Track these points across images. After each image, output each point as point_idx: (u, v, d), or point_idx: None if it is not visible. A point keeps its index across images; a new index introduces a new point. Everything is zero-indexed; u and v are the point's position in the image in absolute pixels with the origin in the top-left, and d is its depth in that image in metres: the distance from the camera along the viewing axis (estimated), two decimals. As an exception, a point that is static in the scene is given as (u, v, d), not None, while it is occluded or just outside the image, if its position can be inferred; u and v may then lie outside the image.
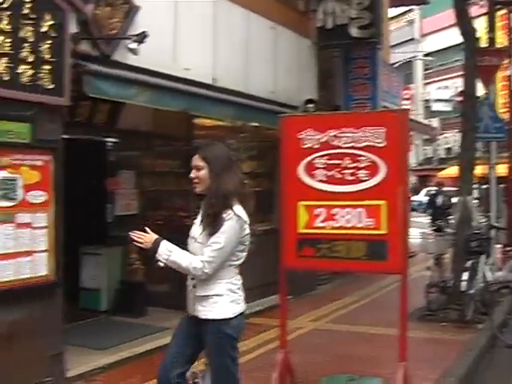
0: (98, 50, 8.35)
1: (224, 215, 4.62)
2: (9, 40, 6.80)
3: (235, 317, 4.76)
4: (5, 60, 6.76)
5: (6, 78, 6.78)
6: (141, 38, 8.18)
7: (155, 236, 4.79)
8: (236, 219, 4.66)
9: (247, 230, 4.80)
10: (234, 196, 4.71)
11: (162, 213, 11.60)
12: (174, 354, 4.92)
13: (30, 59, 7.03)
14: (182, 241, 10.88)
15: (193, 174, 4.84)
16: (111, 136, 10.62)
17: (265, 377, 7.28)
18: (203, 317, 4.75)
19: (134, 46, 8.25)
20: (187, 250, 4.84)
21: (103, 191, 10.83)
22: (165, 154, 11.98)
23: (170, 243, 4.76)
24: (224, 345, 4.73)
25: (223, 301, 4.74)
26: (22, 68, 6.94)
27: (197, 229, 4.81)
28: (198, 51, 10.37)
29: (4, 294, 6.74)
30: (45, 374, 7.22)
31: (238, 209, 4.71)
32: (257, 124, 12.30)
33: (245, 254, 4.90)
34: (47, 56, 7.21)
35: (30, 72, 7.02)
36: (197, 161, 4.81)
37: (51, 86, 7.25)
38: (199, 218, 4.84)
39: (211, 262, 4.61)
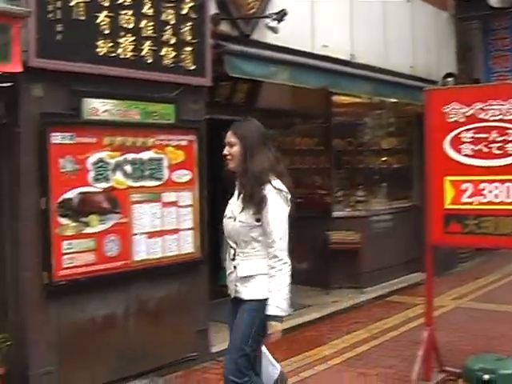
0: (237, 29, 8.34)
1: (264, 192, 4.38)
2: (151, 23, 6.86)
3: None
4: (148, 43, 6.84)
5: (150, 61, 6.86)
6: (280, 16, 8.08)
7: (270, 323, 4.42)
8: (276, 192, 4.41)
9: (289, 204, 4.52)
10: (270, 172, 4.45)
11: (301, 191, 11.50)
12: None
13: (172, 41, 7.08)
14: (319, 218, 10.85)
15: (226, 151, 4.61)
16: (250, 115, 10.57)
17: (409, 355, 7.18)
18: (247, 298, 4.50)
19: (273, 24, 8.15)
20: (224, 233, 4.65)
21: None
22: (303, 132, 11.92)
23: (269, 302, 4.41)
24: (257, 323, 4.45)
25: (263, 281, 4.46)
26: (164, 50, 7.00)
27: (234, 208, 4.58)
28: (335, 28, 10.21)
29: (152, 271, 6.85)
30: (191, 349, 7.30)
31: (277, 183, 4.45)
32: (395, 100, 11.98)
33: None
34: (188, 37, 7.25)
35: (173, 54, 7.09)
36: (229, 137, 4.58)
37: (193, 67, 7.28)
38: (235, 197, 4.63)
39: (279, 243, 4.36)
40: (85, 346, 6.33)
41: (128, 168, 6.64)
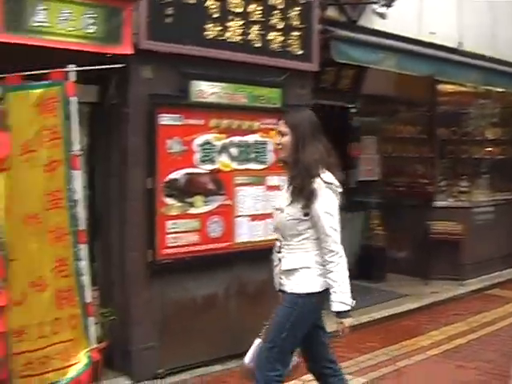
0: (344, 15, 8.28)
1: (314, 185, 4.20)
2: (260, 8, 6.82)
3: (320, 292, 4.29)
4: (256, 27, 6.81)
5: (258, 45, 6.83)
6: (389, 1, 7.98)
7: (337, 320, 4.27)
8: (326, 186, 4.22)
9: (339, 197, 4.33)
10: (321, 164, 4.27)
11: (403, 179, 11.34)
12: (306, 344, 4.56)
13: (280, 26, 7.03)
14: (420, 207, 10.63)
15: (277, 140, 4.48)
16: (354, 101, 10.46)
17: (508, 350, 7.11)
18: (289, 291, 4.36)
19: (382, 10, 8.03)
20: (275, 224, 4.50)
21: (346, 156, 10.68)
22: (406, 120, 11.69)
23: (332, 299, 4.25)
24: (296, 319, 4.29)
25: (311, 274, 4.28)
26: (272, 35, 6.96)
27: (283, 200, 4.40)
28: (443, 15, 9.99)
29: (253, 254, 6.82)
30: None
31: (327, 176, 4.27)
32: (502, 89, 11.58)
33: None
34: (296, 22, 7.18)
35: (280, 38, 7.04)
36: (281, 126, 4.43)
37: (300, 52, 7.23)
38: (285, 188, 4.45)
39: (333, 237, 4.20)
40: (186, 324, 6.38)
41: (233, 150, 6.66)
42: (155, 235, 6.10)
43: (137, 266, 6.07)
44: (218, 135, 6.51)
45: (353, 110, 10.38)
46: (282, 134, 4.41)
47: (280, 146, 4.45)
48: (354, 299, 4.27)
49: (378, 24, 8.50)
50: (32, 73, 4.85)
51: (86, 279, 5.09)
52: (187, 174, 6.28)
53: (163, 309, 6.24)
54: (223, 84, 6.57)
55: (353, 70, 9.59)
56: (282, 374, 4.36)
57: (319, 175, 4.23)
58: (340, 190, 4.34)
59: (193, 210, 6.35)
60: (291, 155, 4.36)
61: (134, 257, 6.05)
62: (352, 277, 10.51)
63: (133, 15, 5.74)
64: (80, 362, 5.09)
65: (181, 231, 6.26)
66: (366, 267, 10.25)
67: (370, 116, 10.96)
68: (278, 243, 4.49)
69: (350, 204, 10.61)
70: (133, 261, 6.05)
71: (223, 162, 6.56)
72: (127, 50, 5.71)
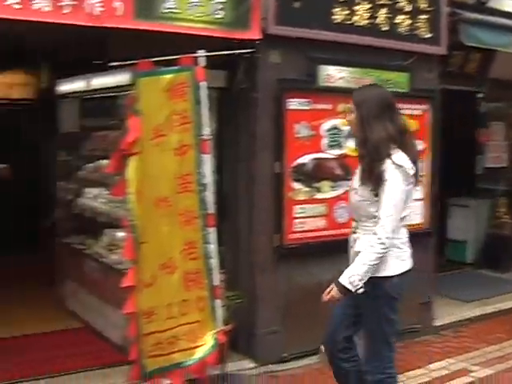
0: (473, -3, 7.88)
1: (383, 167, 3.85)
2: (387, -9, 6.61)
3: (398, 275, 3.99)
4: (384, 11, 6.58)
5: (385, 29, 6.61)
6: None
7: (332, 285, 4.06)
8: (394, 168, 3.85)
9: (412, 180, 3.96)
10: (392, 143, 3.91)
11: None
12: (338, 316, 4.33)
13: (407, 9, 6.78)
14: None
15: (347, 117, 4.23)
16: (482, 86, 10.01)
17: None
18: None
19: (513, -10, 7.63)
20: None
21: (473, 142, 10.31)
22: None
23: (345, 271, 3.98)
24: (380, 304, 3.99)
25: (386, 256, 3.93)
26: (399, 18, 6.72)
27: (356, 180, 4.12)
28: None
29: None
30: (413, 321, 6.98)
31: (399, 157, 3.89)
32: None
33: (410, 205, 4.06)
34: (424, 5, 6.91)
35: (408, 22, 6.79)
36: (350, 102, 4.13)
37: (428, 35, 6.95)
38: (358, 168, 4.13)
39: (385, 223, 3.85)
40: (310, 309, 6.20)
41: (361, 136, 6.44)
42: (282, 220, 6.01)
43: (264, 251, 5.99)
44: (345, 120, 6.31)
45: (480, 95, 9.96)
46: (351, 111, 4.17)
47: (349, 123, 4.29)
48: (362, 288, 3.91)
49: (508, 6, 8.06)
50: (162, 58, 4.79)
51: (214, 262, 5.02)
52: (315, 158, 6.16)
53: (289, 293, 6.14)
54: (350, 68, 6.39)
55: (480, 54, 9.16)
56: (392, 359, 4.19)
57: (389, 156, 3.92)
58: (412, 171, 3.99)
59: (320, 195, 6.22)
60: (358, 133, 4.09)
61: (261, 241, 5.98)
62: (477, 266, 10.19)
63: (261, 0, 5.66)
64: (206, 343, 5.03)
65: (307, 216, 6.15)
66: (492, 256, 9.87)
67: (497, 101, 10.48)
68: (353, 223, 4.23)
69: (476, 191, 10.28)
70: (260, 245, 5.98)
71: (351, 147, 6.32)
72: (255, 35, 5.68)
